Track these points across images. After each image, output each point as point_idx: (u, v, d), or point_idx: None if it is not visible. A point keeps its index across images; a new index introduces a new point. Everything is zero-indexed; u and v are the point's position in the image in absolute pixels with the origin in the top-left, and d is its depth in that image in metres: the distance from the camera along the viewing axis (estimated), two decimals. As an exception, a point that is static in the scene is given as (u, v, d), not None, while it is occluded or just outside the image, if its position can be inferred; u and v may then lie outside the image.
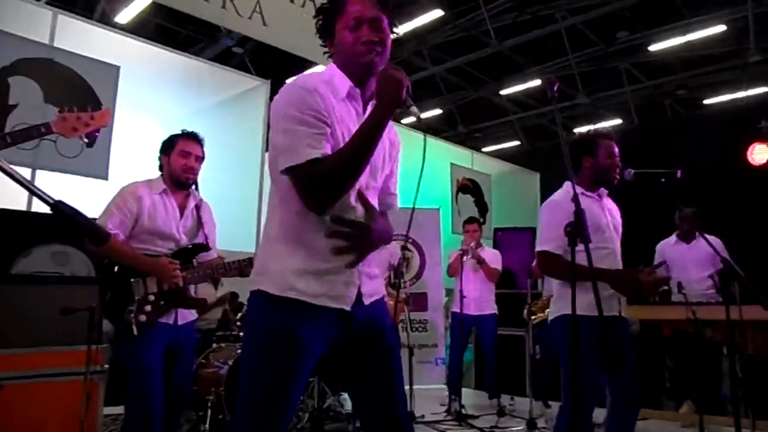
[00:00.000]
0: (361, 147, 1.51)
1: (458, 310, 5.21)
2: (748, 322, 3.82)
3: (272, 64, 10.71)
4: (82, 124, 2.20)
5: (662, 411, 4.78)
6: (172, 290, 2.48)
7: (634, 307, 4.44)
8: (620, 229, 2.85)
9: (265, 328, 1.57)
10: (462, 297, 5.18)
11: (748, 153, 5.99)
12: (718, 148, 6.69)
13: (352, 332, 1.63)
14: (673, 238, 4.88)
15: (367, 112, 1.65)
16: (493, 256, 5.51)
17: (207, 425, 3.78)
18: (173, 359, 2.52)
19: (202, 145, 2.69)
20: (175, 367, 2.52)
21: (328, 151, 1.52)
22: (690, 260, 4.67)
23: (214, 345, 4.47)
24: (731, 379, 3.84)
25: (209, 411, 3.84)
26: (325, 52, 1.76)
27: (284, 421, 1.56)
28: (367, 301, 1.67)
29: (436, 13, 9.17)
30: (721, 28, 9.04)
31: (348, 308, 1.61)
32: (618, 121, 12.40)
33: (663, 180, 2.62)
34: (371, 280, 1.69)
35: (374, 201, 1.70)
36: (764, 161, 5.92)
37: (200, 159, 2.68)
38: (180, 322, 2.53)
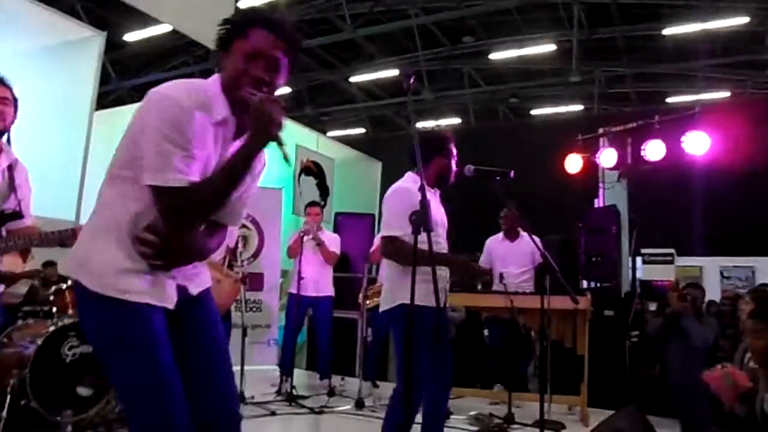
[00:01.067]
0: (228, 181, 1.51)
1: (295, 291, 5.20)
2: (554, 312, 4.33)
3: (106, 15, 9.72)
4: None
5: (475, 389, 5.22)
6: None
7: (460, 295, 4.81)
8: (446, 226, 2.99)
9: (99, 324, 1.53)
10: (300, 278, 5.17)
11: (565, 162, 6.71)
12: (540, 155, 7.43)
13: (181, 325, 1.60)
14: (500, 235, 5.32)
15: (236, 143, 1.61)
16: (332, 240, 5.57)
17: (4, 413, 3.35)
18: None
19: (10, 88, 2.33)
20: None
21: (195, 176, 1.49)
22: (512, 256, 5.15)
23: (20, 322, 3.97)
24: (540, 361, 4.31)
25: (9, 396, 3.41)
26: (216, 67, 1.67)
27: (180, 409, 1.50)
28: (194, 292, 1.66)
29: (293, -10, 9.00)
30: (551, 47, 10.04)
31: (172, 307, 1.58)
32: (457, 120, 13.22)
33: (498, 178, 2.84)
34: (196, 275, 1.68)
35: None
36: (578, 170, 6.68)
37: (8, 101, 2.32)
38: (-20, 296, 2.20)
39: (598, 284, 6.06)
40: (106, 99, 6.73)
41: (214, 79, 1.61)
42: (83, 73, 6.55)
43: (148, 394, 1.48)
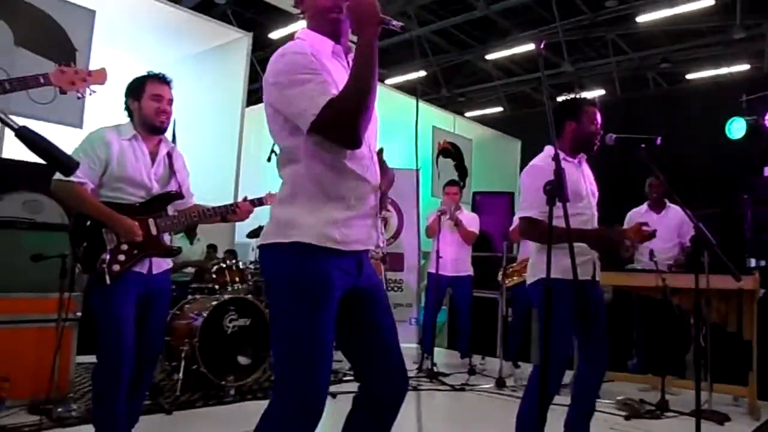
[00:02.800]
0: (362, 72, 1.55)
1: (434, 271, 5.26)
2: (714, 292, 3.94)
3: (255, 17, 10.44)
4: (79, 79, 2.18)
5: (626, 373, 4.92)
6: (147, 239, 2.45)
7: (607, 274, 4.54)
8: (596, 195, 2.88)
9: (303, 277, 1.60)
10: (438, 258, 5.23)
11: (727, 127, 6.05)
12: (698, 123, 6.76)
13: (358, 284, 1.71)
14: (644, 207, 4.96)
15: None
16: (471, 219, 5.56)
17: (180, 375, 3.81)
18: (146, 309, 2.48)
19: (171, 88, 2.61)
20: (148, 316, 2.49)
21: (335, 93, 1.56)
22: (659, 229, 4.75)
23: (189, 297, 4.48)
24: (695, 346, 3.97)
25: (183, 362, 3.87)
26: (298, 14, 1.78)
27: (328, 370, 1.62)
28: (381, 243, 1.78)
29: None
30: (708, 2, 9.03)
31: (373, 247, 1.74)
32: (601, 92, 12.41)
33: (643, 146, 2.64)
34: (376, 225, 1.77)
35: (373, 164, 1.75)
36: (742, 135, 5.98)
37: (171, 102, 2.60)
38: (155, 272, 2.49)
39: (769, 262, 5.41)
40: (255, 96, 7.24)
41: (304, 33, 1.72)
42: (234, 72, 7.14)
43: (311, 347, 1.57)
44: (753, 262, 5.49)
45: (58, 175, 2.31)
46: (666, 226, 4.72)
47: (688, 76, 11.72)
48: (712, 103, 6.99)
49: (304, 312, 1.57)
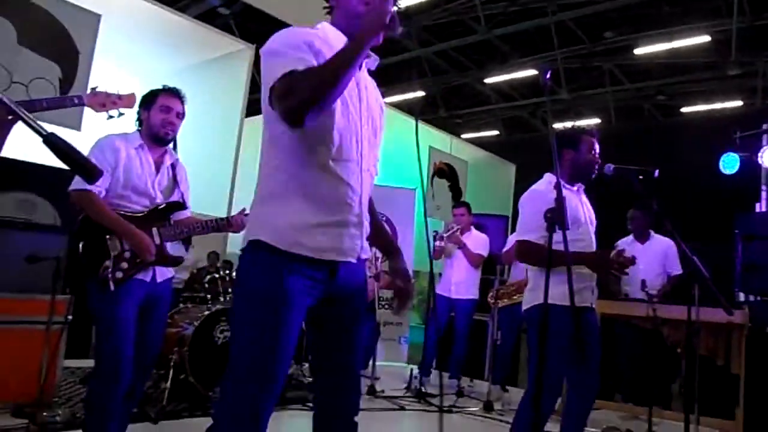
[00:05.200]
0: (338, 64, 1.41)
1: (439, 292, 5.27)
2: (703, 324, 3.98)
3: (258, 29, 10.51)
4: (110, 101, 2.29)
5: (614, 402, 4.92)
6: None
7: (598, 302, 4.57)
8: (594, 224, 2.91)
9: (259, 281, 1.51)
10: (450, 280, 5.26)
11: (720, 161, 6.14)
12: (691, 156, 6.86)
13: (331, 291, 1.61)
14: (630, 237, 5.01)
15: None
16: (478, 241, 5.51)
17: (168, 384, 3.77)
18: (147, 317, 2.48)
19: (183, 102, 2.64)
20: (148, 323, 2.49)
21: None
22: (642, 259, 4.81)
23: (181, 305, 4.45)
24: (685, 378, 3.99)
25: (171, 370, 3.84)
26: (324, 8, 1.72)
27: (279, 380, 1.53)
28: (363, 256, 1.66)
29: (428, -6, 9.11)
30: (705, 38, 9.21)
31: (354, 260, 1.62)
32: (596, 120, 12.57)
33: (641, 177, 2.69)
34: (365, 235, 1.67)
35: (372, 160, 1.68)
36: (734, 170, 6.08)
37: (181, 116, 2.62)
38: (158, 279, 2.50)
39: (758, 298, 5.46)
40: (255, 106, 7.26)
41: (325, 25, 1.66)
42: (235, 83, 7.16)
43: (262, 355, 1.49)
44: (742, 297, 5.55)
45: (75, 184, 2.34)
46: (651, 257, 4.78)
47: (683, 110, 11.90)
48: (705, 138, 7.10)
49: (255, 318, 1.50)
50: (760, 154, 5.86)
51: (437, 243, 5.27)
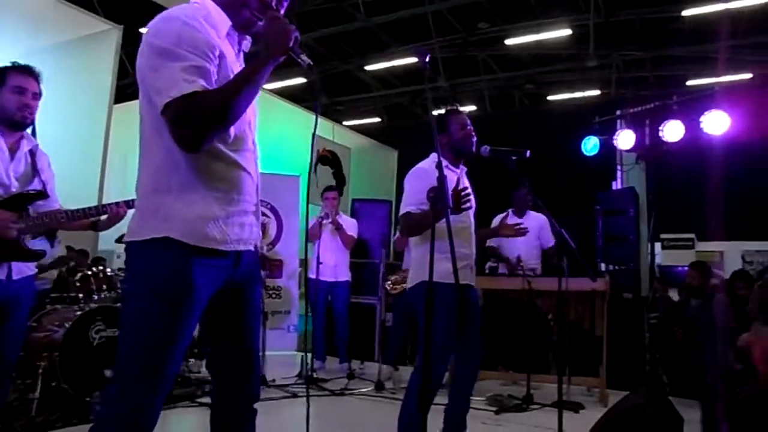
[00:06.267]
0: (244, 87, 1.42)
1: (314, 276, 5.26)
2: (572, 294, 4.34)
3: (124, 9, 9.81)
4: None
5: (495, 371, 5.23)
6: (4, 241, 2.22)
7: (479, 278, 4.82)
8: (474, 207, 3.04)
9: (164, 278, 1.44)
10: (318, 263, 5.24)
11: (582, 144, 6.68)
12: (557, 140, 7.41)
13: (233, 279, 1.59)
14: (508, 212, 5.33)
15: (241, 56, 1.62)
16: (350, 224, 5.63)
17: (37, 393, 3.46)
18: (2, 319, 2.25)
19: (39, 82, 2.40)
20: (4, 327, 2.26)
21: (207, 86, 1.41)
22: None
23: (48, 307, 4.09)
24: (558, 343, 4.34)
25: (40, 378, 3.52)
26: None
27: (171, 379, 1.49)
28: (258, 243, 1.65)
29: (307, -20, 9.00)
30: (567, 31, 9.93)
31: (252, 248, 1.60)
32: (473, 108, 13.15)
33: (514, 158, 2.86)
34: (258, 222, 1.65)
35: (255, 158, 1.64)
36: (595, 152, 6.65)
37: (37, 96, 2.39)
38: (15, 277, 2.27)
39: (616, 267, 6.05)
40: (125, 93, 6.80)
41: (204, 1, 1.55)
42: (102, 66, 6.65)
43: (159, 352, 1.44)
44: (603, 267, 6.12)
45: None
46: (528, 228, 5.13)
47: (549, 97, 12.79)
48: (568, 123, 7.69)
49: (154, 315, 1.43)
50: (615, 137, 6.46)
51: (325, 222, 5.33)
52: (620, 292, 5.30)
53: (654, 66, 11.35)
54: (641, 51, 10.70)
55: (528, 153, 2.90)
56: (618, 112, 6.71)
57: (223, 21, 1.54)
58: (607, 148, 6.66)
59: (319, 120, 1.71)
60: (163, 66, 1.38)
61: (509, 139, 3.39)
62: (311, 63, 1.56)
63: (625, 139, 6.36)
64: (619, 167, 6.79)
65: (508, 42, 10.59)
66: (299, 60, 1.52)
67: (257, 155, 1.63)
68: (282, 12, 1.59)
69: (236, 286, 1.60)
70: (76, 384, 3.63)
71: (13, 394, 3.79)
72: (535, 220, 5.13)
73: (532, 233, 5.13)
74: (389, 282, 5.50)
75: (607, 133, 6.63)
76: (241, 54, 1.65)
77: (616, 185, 6.81)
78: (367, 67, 12.14)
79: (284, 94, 10.58)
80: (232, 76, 1.48)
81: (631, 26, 9.98)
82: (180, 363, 1.53)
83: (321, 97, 12.23)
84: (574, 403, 4.30)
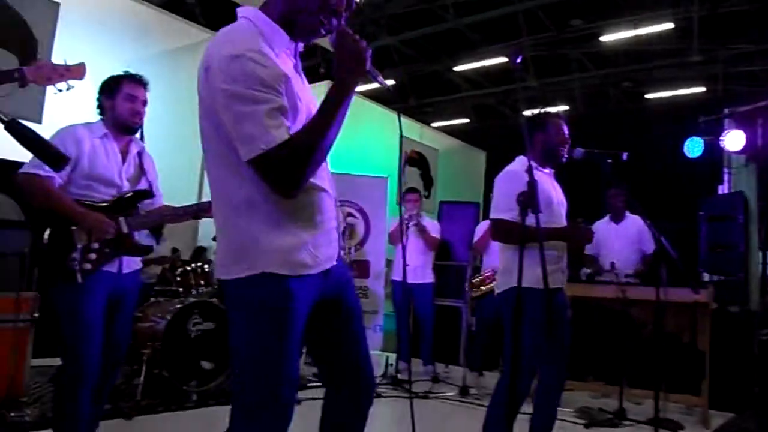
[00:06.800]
0: (332, 122, 1.40)
1: (399, 279, 5.28)
2: (671, 304, 4.08)
3: (224, 17, 10.31)
4: (57, 74, 2.07)
5: (585, 382, 5.02)
6: (118, 237, 2.40)
7: (569, 285, 4.65)
8: (566, 206, 2.95)
9: (267, 309, 1.45)
10: (405, 265, 5.25)
11: (685, 146, 6.27)
12: (656, 141, 7.01)
13: (325, 292, 1.60)
14: (606, 218, 5.11)
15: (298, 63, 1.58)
16: (432, 226, 5.60)
17: (142, 379, 3.72)
18: (115, 309, 2.44)
19: (147, 90, 2.58)
20: (116, 317, 2.44)
21: (290, 124, 1.40)
22: (617, 239, 4.93)
23: (152, 299, 4.38)
24: (654, 357, 4.10)
25: (144, 365, 3.78)
26: None
27: (292, 399, 1.51)
28: (341, 252, 1.66)
29: (397, -17, 9.06)
30: (668, 25, 9.38)
31: (335, 261, 1.61)
32: (565, 107, 12.71)
33: (610, 161, 2.73)
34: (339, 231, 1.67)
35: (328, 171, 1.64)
36: (699, 154, 6.22)
37: (146, 103, 2.58)
38: (125, 271, 2.45)
39: (722, 277, 5.63)
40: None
41: (255, 14, 1.50)
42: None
43: (278, 378, 1.46)
44: (707, 277, 5.71)
45: (25, 168, 2.27)
46: (626, 236, 4.89)
47: (648, 96, 12.12)
48: (670, 122, 7.26)
49: (271, 340, 1.45)
50: (722, 138, 6.00)
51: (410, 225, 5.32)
52: (725, 305, 4.92)
53: (765, 60, 10.47)
54: (751, 44, 9.91)
55: (625, 156, 2.77)
56: (726, 110, 6.22)
57: (276, 34, 1.49)
58: (712, 150, 6.20)
59: (407, 122, 1.69)
60: (242, 114, 1.35)
61: (603, 140, 3.25)
62: (390, 88, 1.55)
63: (734, 139, 5.89)
64: (726, 170, 6.30)
65: (604, 39, 10.15)
66: (377, 81, 1.49)
67: (328, 165, 1.62)
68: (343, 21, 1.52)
69: (332, 296, 1.63)
70: (175, 372, 3.87)
71: (121, 378, 4.10)
72: (634, 224, 4.88)
73: (631, 237, 4.90)
74: (467, 284, 5.42)
75: (712, 133, 6.17)
76: (299, 61, 1.61)
77: (722, 189, 6.33)
78: (456, 68, 12.04)
79: (372, 96, 10.73)
80: (296, 93, 1.46)
81: (740, 17, 9.26)
82: (296, 386, 1.56)
83: (400, 107, 12.29)
84: (672, 422, 4.03)
